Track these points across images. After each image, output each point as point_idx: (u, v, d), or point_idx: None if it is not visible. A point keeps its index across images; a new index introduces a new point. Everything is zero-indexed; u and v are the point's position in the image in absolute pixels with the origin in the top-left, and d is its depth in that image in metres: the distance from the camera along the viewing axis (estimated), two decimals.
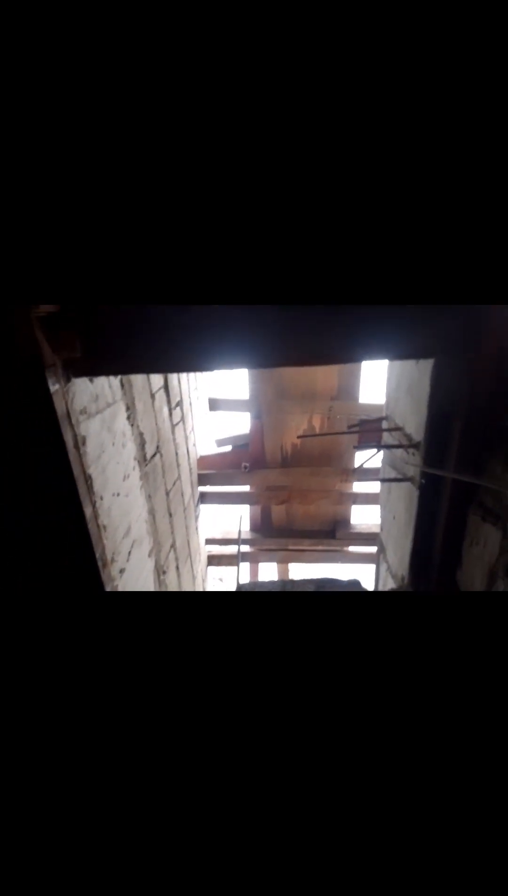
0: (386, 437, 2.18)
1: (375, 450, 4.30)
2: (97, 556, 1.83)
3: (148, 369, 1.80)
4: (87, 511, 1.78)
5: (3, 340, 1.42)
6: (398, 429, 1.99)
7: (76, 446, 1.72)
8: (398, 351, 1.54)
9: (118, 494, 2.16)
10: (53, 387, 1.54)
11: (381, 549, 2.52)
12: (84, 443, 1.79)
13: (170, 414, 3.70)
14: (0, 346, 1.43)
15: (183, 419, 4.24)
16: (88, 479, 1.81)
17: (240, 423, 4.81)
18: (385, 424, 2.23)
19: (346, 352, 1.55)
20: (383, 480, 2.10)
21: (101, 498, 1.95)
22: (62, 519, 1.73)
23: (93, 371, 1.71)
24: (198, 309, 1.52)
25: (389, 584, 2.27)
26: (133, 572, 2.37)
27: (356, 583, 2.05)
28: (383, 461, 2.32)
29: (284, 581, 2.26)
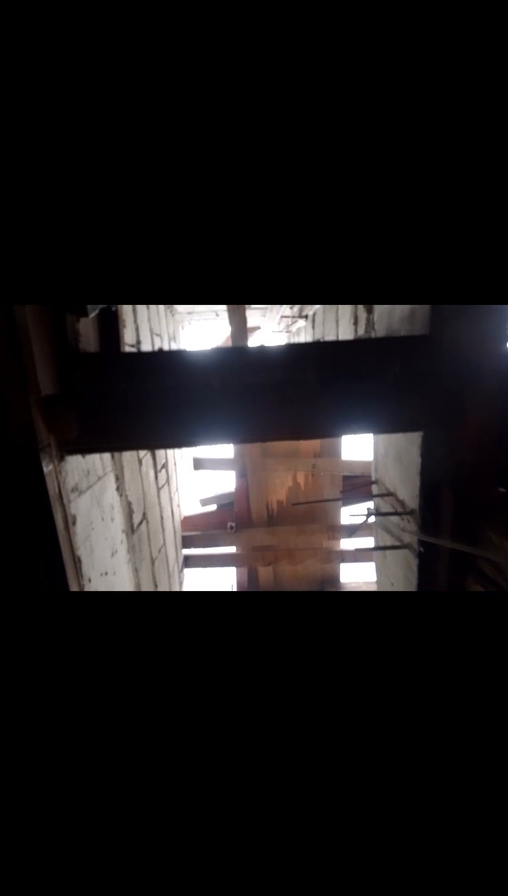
0: (378, 501, 2.21)
1: (360, 506, 4.34)
2: None
3: (141, 446, 1.80)
4: None
5: None
6: (389, 494, 2.03)
7: (66, 527, 1.65)
8: (386, 425, 1.61)
9: (105, 574, 2.06)
10: (47, 467, 1.51)
11: None
12: (74, 522, 1.72)
13: (156, 477, 3.66)
14: None
15: (168, 480, 4.19)
16: (77, 561, 1.72)
17: (225, 482, 4.79)
18: (375, 489, 2.27)
19: (332, 428, 1.60)
20: (380, 549, 2.10)
21: (89, 580, 1.84)
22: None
23: (88, 449, 1.69)
24: (189, 388, 1.57)
25: None
26: None
27: None
28: (375, 524, 2.33)
29: None
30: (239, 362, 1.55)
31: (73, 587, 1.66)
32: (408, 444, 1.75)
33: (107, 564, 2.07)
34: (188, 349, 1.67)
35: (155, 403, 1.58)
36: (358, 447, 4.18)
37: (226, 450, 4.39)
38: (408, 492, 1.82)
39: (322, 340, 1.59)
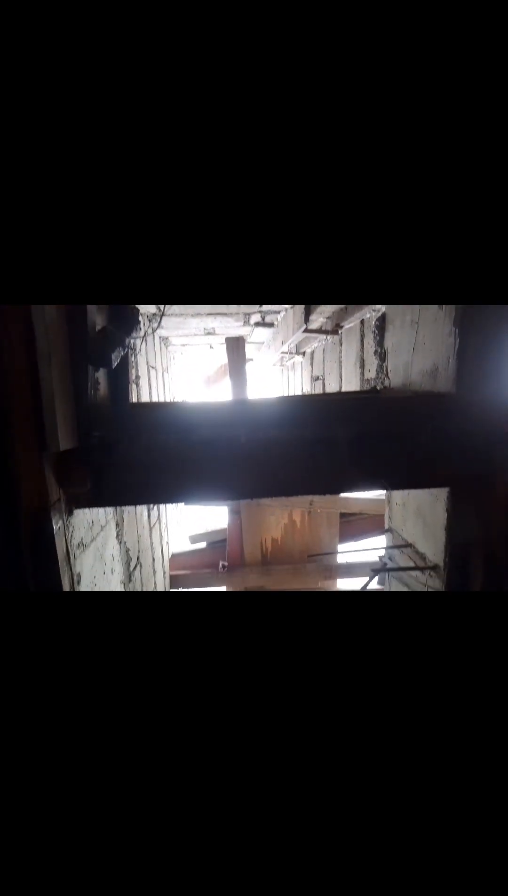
0: (392, 552, 2.16)
1: (354, 544, 4.28)
2: None
3: (160, 500, 1.70)
4: None
5: (7, 481, 1.28)
6: (407, 545, 1.98)
7: (72, 587, 1.50)
8: (416, 484, 1.57)
9: None
10: (56, 525, 1.38)
11: None
12: (78, 581, 1.58)
13: (149, 516, 3.50)
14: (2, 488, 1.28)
15: (158, 518, 4.02)
16: None
17: (216, 518, 4.65)
18: (388, 539, 2.22)
19: (361, 486, 1.56)
20: None
21: None
22: None
23: (97, 503, 1.58)
24: (214, 441, 1.49)
25: None
26: None
27: None
28: (389, 576, 2.27)
29: None
30: (267, 413, 1.49)
31: None
32: (433, 499, 1.72)
33: None
34: (209, 400, 1.61)
35: (175, 456, 1.50)
36: None
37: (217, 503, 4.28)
38: (431, 547, 1.77)
39: (349, 394, 1.57)
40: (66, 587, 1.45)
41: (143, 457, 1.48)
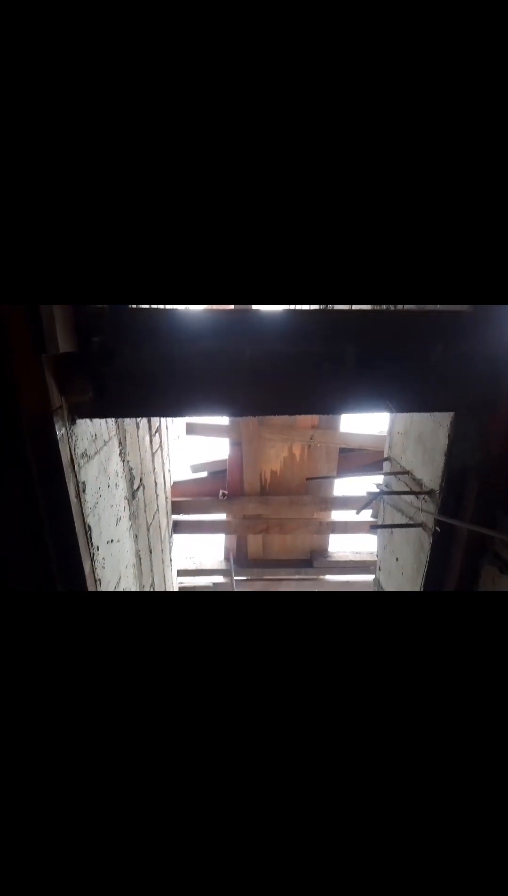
0: (389, 479, 2.20)
1: (352, 480, 4.37)
2: None
3: (161, 413, 1.69)
4: (86, 566, 1.61)
5: (7, 383, 1.26)
6: (404, 472, 2.02)
7: (77, 495, 1.55)
8: (421, 406, 1.56)
9: (111, 541, 1.99)
10: (59, 431, 1.39)
11: (378, 589, 2.52)
12: (84, 490, 1.62)
13: (151, 441, 3.53)
14: (3, 391, 1.26)
15: (161, 445, 4.07)
16: (88, 529, 1.64)
17: (217, 449, 4.71)
18: (387, 466, 2.25)
19: (366, 406, 1.54)
20: (389, 526, 2.11)
21: (98, 549, 1.78)
22: (61, 574, 1.55)
23: (99, 414, 1.57)
24: (218, 354, 1.45)
25: None
26: None
27: None
28: (384, 502, 2.34)
29: None
30: (273, 327, 1.43)
31: (85, 559, 1.59)
32: (435, 425, 1.71)
33: (112, 532, 2.00)
34: (213, 307, 1.54)
35: (180, 367, 1.46)
36: (355, 421, 4.16)
37: (218, 417, 4.28)
38: (429, 473, 1.80)
39: (358, 309, 1.48)
40: (72, 495, 1.50)
41: (146, 367, 1.45)
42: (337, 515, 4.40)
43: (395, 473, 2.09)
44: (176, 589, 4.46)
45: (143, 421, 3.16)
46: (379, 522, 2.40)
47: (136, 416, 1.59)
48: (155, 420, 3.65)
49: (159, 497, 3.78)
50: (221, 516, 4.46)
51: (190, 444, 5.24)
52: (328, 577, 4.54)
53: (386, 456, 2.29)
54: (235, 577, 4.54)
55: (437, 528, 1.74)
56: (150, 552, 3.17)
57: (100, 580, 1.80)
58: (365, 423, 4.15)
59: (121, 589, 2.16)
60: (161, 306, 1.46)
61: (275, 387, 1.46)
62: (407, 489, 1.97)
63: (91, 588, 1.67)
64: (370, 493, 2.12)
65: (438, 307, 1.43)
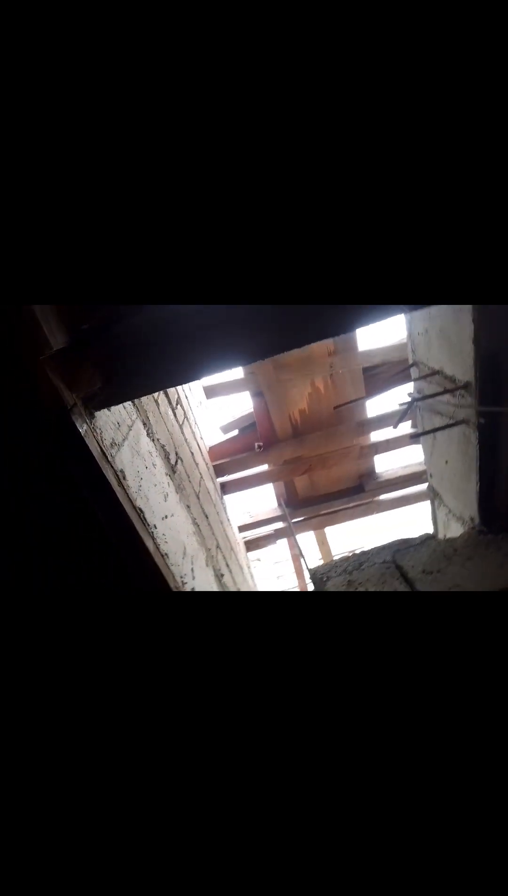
0: (420, 384, 2.09)
1: (385, 396, 4.22)
2: (171, 586, 1.76)
3: (161, 386, 1.66)
4: (149, 545, 1.69)
5: (13, 391, 1.27)
6: (435, 373, 1.90)
7: (119, 483, 1.60)
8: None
9: (166, 517, 2.07)
10: (82, 428, 1.41)
11: (435, 496, 2.49)
12: (124, 476, 1.67)
13: (175, 415, 3.55)
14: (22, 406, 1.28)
15: (186, 416, 4.09)
16: (140, 512, 1.71)
17: (241, 405, 4.67)
18: (415, 372, 2.13)
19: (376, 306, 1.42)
20: (429, 432, 2.03)
21: (155, 526, 1.85)
22: (123, 562, 1.64)
23: (112, 400, 1.57)
24: (192, 313, 1.37)
25: (454, 528, 2.25)
26: (201, 587, 2.32)
27: (429, 535, 2.02)
28: (418, 409, 2.24)
29: (354, 556, 2.23)
30: None
31: (146, 539, 1.67)
32: (456, 314, 1.57)
33: (164, 508, 2.07)
34: None
35: (174, 330, 1.41)
36: (373, 335, 3.92)
37: (233, 373, 4.19)
38: (460, 366, 1.68)
39: None
40: (114, 485, 1.54)
41: (143, 339, 1.40)
42: (377, 436, 4.32)
43: (425, 377, 1.98)
44: (239, 543, 4.66)
45: (161, 397, 3.16)
46: (420, 431, 2.32)
47: (150, 392, 1.58)
48: (172, 393, 3.64)
49: (199, 465, 3.86)
50: (263, 468, 4.51)
51: (214, 407, 5.22)
52: (382, 497, 4.56)
53: (411, 362, 2.16)
54: (292, 521, 4.66)
55: (481, 420, 1.65)
56: (206, 517, 3.30)
57: (166, 554, 1.89)
58: (384, 336, 3.91)
59: (190, 556, 2.28)
60: None
61: (289, 318, 1.38)
62: (441, 389, 1.87)
63: (160, 564, 1.76)
64: (402, 405, 2.03)
65: None
